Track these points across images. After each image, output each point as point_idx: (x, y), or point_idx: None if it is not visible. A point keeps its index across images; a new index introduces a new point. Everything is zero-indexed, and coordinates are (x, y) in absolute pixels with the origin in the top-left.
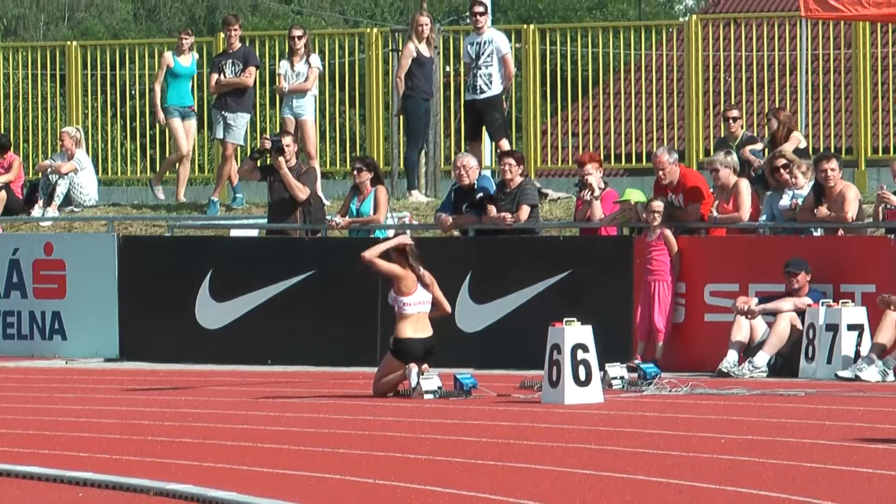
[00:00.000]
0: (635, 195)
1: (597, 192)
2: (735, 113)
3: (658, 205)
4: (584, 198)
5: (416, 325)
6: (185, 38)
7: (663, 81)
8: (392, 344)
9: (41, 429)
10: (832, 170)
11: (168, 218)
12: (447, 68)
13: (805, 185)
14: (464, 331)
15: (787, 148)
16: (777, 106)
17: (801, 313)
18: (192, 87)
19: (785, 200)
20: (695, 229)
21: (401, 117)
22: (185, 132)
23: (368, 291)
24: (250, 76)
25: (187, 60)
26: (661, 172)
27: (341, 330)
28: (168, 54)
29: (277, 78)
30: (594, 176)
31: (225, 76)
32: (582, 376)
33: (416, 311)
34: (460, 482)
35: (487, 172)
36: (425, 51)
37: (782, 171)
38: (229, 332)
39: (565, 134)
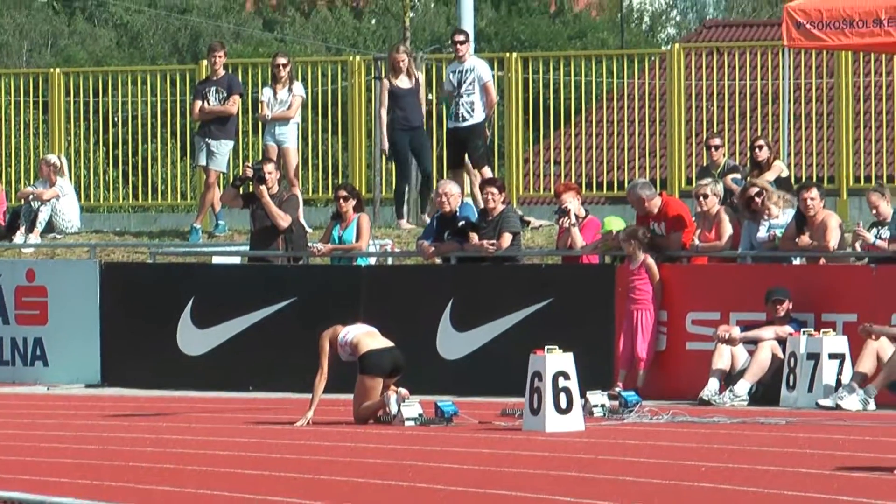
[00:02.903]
0: (616, 223)
1: (574, 220)
2: (717, 141)
3: (633, 244)
4: (563, 225)
5: (372, 339)
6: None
7: (645, 110)
8: (358, 363)
9: (22, 455)
10: (812, 199)
11: (150, 245)
12: (429, 96)
13: (780, 215)
14: (445, 358)
15: (769, 177)
16: (759, 135)
17: (782, 342)
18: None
19: (762, 232)
20: (677, 257)
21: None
22: None
23: (351, 318)
24: (234, 104)
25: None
26: (644, 206)
27: None
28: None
29: (260, 105)
30: (572, 204)
31: (209, 103)
32: (563, 404)
33: (360, 332)
34: None
35: (469, 200)
36: (405, 83)
37: (756, 199)
38: (211, 359)
39: (547, 162)
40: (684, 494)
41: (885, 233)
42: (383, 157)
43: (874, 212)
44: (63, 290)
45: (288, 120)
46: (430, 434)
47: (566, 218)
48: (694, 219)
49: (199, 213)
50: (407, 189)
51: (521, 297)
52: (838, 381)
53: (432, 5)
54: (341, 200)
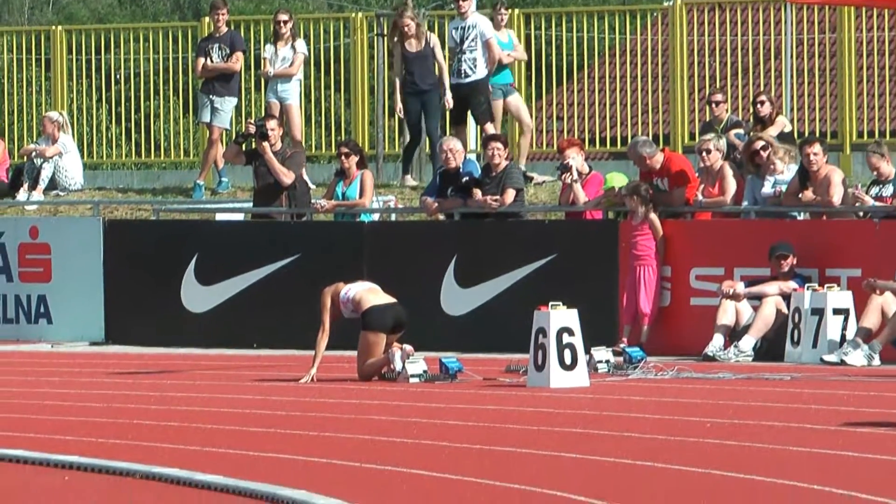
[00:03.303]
0: (619, 179)
1: (577, 176)
2: (720, 97)
3: (636, 199)
4: (566, 181)
5: (374, 295)
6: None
7: (648, 66)
8: (361, 319)
9: (26, 412)
10: (815, 154)
11: (153, 202)
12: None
13: (784, 171)
14: (449, 314)
15: (772, 132)
16: (761, 90)
17: (786, 297)
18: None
19: (767, 188)
20: (680, 213)
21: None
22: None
23: (354, 275)
24: (237, 61)
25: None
26: (646, 163)
27: None
28: None
29: (263, 62)
30: (575, 160)
31: (212, 61)
32: (567, 360)
33: (362, 288)
34: (446, 466)
35: (473, 156)
36: (413, 46)
37: (762, 152)
38: (215, 316)
39: (550, 118)
40: (689, 450)
41: (888, 190)
42: (385, 114)
43: (875, 173)
44: (67, 247)
45: (290, 77)
46: (434, 391)
47: (569, 174)
48: (697, 174)
49: (202, 170)
50: (417, 150)
51: (524, 253)
52: (843, 337)
53: None
54: (343, 157)
